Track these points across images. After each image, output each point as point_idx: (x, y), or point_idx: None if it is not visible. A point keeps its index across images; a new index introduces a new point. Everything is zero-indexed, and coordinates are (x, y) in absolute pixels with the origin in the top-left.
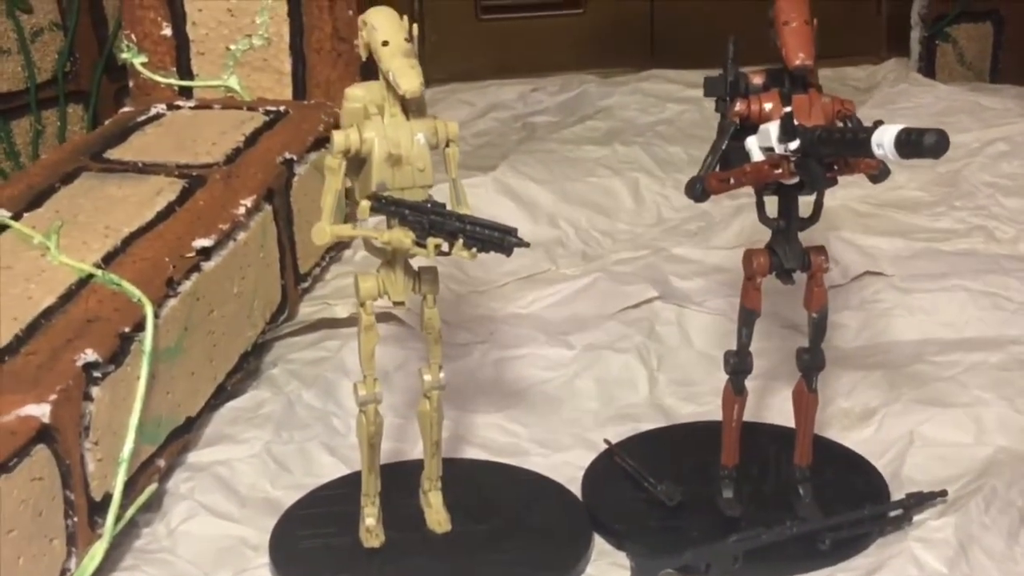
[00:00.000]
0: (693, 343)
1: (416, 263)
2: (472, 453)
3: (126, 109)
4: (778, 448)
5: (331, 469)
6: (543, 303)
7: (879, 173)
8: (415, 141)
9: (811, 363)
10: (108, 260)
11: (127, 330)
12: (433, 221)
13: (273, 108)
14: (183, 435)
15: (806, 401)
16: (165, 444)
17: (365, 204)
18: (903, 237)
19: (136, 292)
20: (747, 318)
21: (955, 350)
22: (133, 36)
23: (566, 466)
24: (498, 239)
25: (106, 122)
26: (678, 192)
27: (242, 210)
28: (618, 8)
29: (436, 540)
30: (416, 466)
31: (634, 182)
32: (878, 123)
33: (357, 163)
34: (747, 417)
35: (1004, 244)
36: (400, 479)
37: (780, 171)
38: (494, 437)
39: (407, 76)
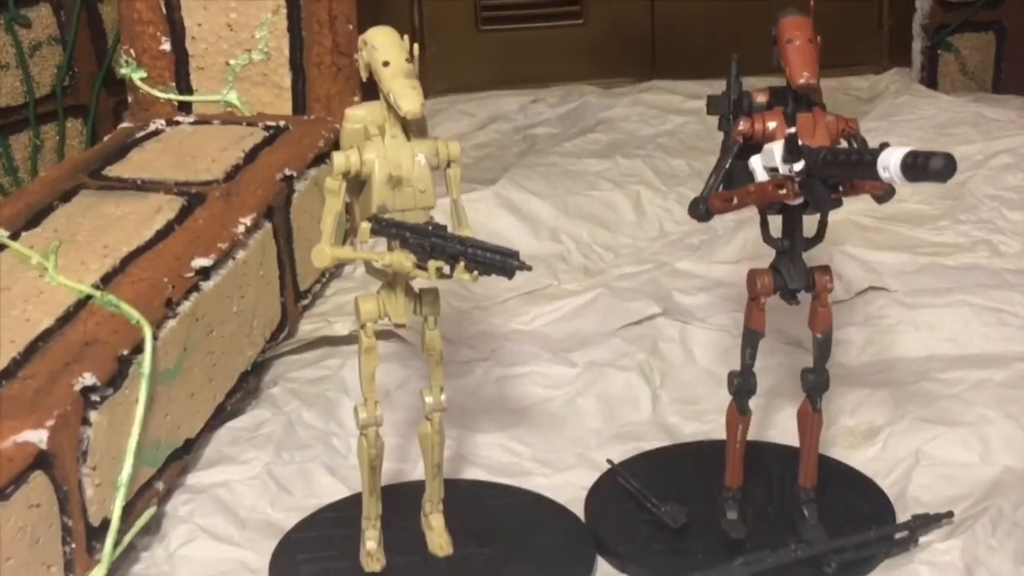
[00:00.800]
0: (696, 360)
1: (417, 284)
2: (474, 473)
3: (125, 125)
4: (782, 468)
5: (332, 490)
6: (545, 319)
7: (884, 193)
8: (416, 162)
9: (816, 383)
10: (106, 280)
11: (126, 352)
12: (434, 244)
13: (273, 123)
14: (182, 457)
15: (811, 422)
16: (164, 467)
17: (365, 226)
18: (907, 251)
19: (135, 314)
20: (751, 339)
21: (960, 367)
22: (132, 51)
23: (569, 486)
24: (500, 262)
25: (105, 138)
26: (680, 205)
27: (241, 228)
28: (619, 18)
29: (438, 564)
30: (417, 487)
31: (636, 195)
32: (884, 145)
33: (358, 184)
34: (751, 435)
35: (1008, 258)
36: (401, 501)
37: (785, 192)
38: (496, 456)
39: (408, 97)
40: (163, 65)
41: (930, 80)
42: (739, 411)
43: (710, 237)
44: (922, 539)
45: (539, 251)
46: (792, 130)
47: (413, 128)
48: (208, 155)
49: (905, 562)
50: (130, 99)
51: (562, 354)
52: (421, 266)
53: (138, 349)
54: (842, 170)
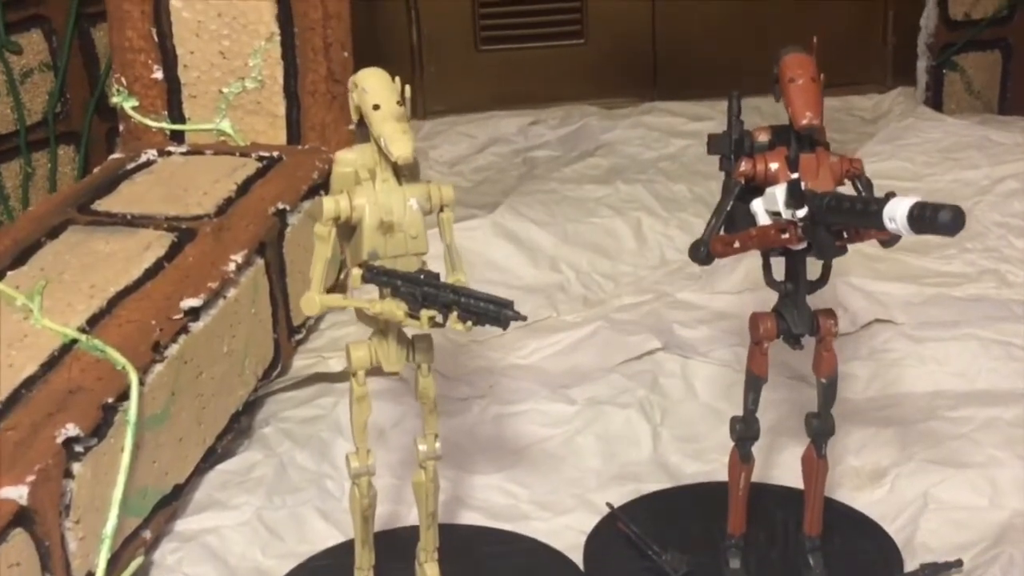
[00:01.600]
0: (698, 395)
1: (410, 330)
2: (471, 517)
3: (116, 155)
4: (786, 512)
5: (325, 535)
6: (543, 353)
7: (890, 239)
8: (408, 207)
9: (820, 429)
10: (93, 322)
11: (110, 401)
12: (426, 293)
13: (266, 154)
14: (171, 503)
15: (816, 468)
16: (152, 514)
17: (356, 273)
18: (914, 282)
19: (121, 360)
20: (754, 384)
21: (968, 404)
22: (123, 79)
23: (567, 531)
24: (494, 312)
25: (95, 170)
26: (682, 232)
27: (232, 266)
28: (620, 38)
29: None
30: (412, 533)
31: (636, 222)
32: (890, 195)
33: (348, 230)
34: (754, 475)
35: (1016, 288)
36: (395, 548)
37: (787, 236)
38: (493, 499)
39: (399, 142)
40: (155, 94)
41: (935, 100)
42: (742, 458)
43: (712, 266)
44: None
45: (538, 281)
46: (795, 176)
47: (405, 172)
48: (200, 188)
49: None
50: (121, 128)
51: (561, 390)
52: (413, 315)
53: (124, 396)
54: (846, 218)
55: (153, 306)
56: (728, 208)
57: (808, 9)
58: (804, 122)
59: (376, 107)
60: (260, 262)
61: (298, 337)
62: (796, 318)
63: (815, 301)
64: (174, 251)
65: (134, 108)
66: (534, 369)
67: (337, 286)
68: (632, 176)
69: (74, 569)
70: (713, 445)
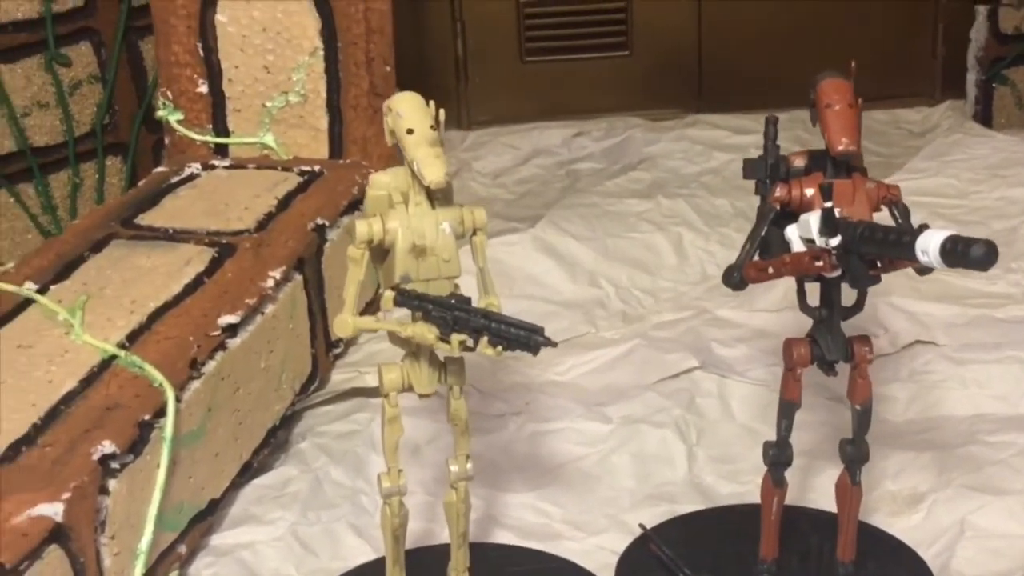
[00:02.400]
0: (735, 416)
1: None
2: (503, 536)
3: (160, 169)
4: (821, 537)
5: (358, 552)
6: (581, 370)
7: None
8: (440, 231)
9: (855, 456)
10: (132, 338)
11: (147, 418)
12: (457, 317)
13: (308, 168)
14: (206, 518)
15: (849, 495)
16: (187, 529)
17: (389, 296)
18: (957, 302)
19: (158, 376)
20: (787, 410)
21: (1010, 429)
22: (169, 93)
23: (600, 551)
24: (524, 338)
25: (140, 183)
26: (723, 247)
27: (270, 282)
28: (665, 49)
29: None
30: (444, 552)
31: (678, 237)
32: (923, 226)
33: (382, 252)
34: (789, 498)
35: None
36: (427, 566)
37: (821, 264)
38: (526, 518)
39: (432, 167)
40: (200, 107)
41: (984, 114)
42: (774, 483)
43: None
44: None
45: (577, 296)
46: (828, 204)
47: (438, 195)
48: (241, 202)
49: None
50: (167, 141)
51: (596, 409)
52: (444, 339)
53: (160, 413)
54: (879, 248)
55: (191, 322)
56: (763, 234)
57: (857, 21)
58: (840, 148)
59: (410, 131)
60: (298, 278)
61: (336, 351)
62: (830, 344)
63: (854, 321)
64: (214, 266)
65: (179, 121)
66: (571, 386)
67: (373, 304)
68: (674, 190)
69: None
70: (748, 467)
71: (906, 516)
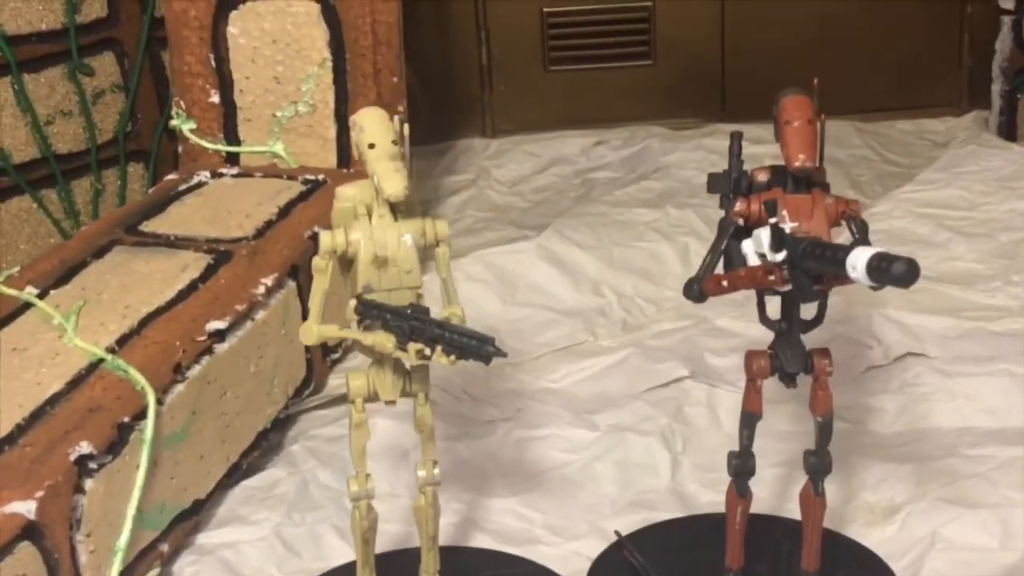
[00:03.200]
0: (722, 425)
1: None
2: (481, 540)
3: (171, 177)
4: (792, 546)
5: (340, 553)
6: (575, 378)
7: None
8: (402, 243)
9: (818, 467)
10: (122, 342)
11: (127, 420)
12: (414, 327)
13: (312, 177)
14: (191, 518)
15: (813, 505)
16: (170, 528)
17: (352, 304)
18: (952, 315)
19: (140, 380)
20: (748, 420)
21: (992, 442)
22: (182, 103)
23: (575, 557)
24: (476, 347)
25: (150, 190)
26: None
27: (261, 289)
28: (688, 58)
29: None
30: (419, 554)
31: (684, 247)
32: (856, 243)
33: (347, 262)
34: (767, 507)
35: None
36: (403, 568)
37: (774, 278)
38: (507, 523)
39: (391, 180)
40: (212, 117)
41: (1009, 124)
42: (738, 493)
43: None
44: None
45: (579, 305)
46: (773, 221)
47: (401, 208)
48: (243, 210)
49: None
50: (180, 150)
51: (585, 416)
52: (402, 348)
53: (141, 415)
54: (818, 264)
55: (180, 327)
56: (722, 247)
57: (882, 31)
58: (797, 164)
59: (372, 146)
60: (292, 284)
61: (334, 356)
62: (789, 356)
63: (845, 332)
64: (208, 273)
65: (192, 130)
66: (563, 393)
67: None
68: (683, 200)
69: None
70: None
71: (881, 527)
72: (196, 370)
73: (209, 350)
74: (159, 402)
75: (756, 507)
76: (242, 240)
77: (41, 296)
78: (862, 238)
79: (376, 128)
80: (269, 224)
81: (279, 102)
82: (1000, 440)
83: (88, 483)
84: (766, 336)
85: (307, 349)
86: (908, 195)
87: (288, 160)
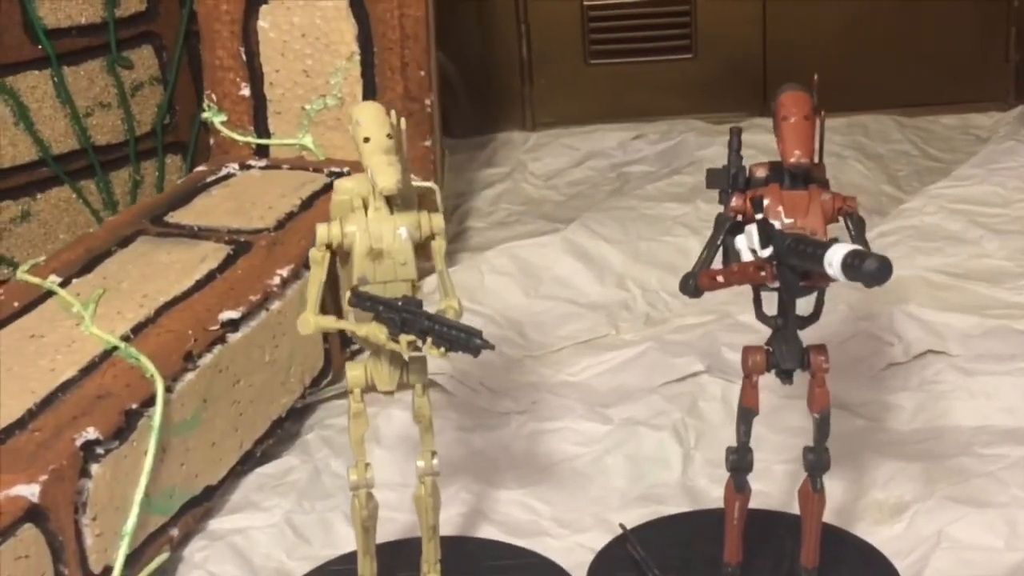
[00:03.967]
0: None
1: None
2: (488, 531)
3: (200, 168)
4: (795, 542)
5: (349, 541)
6: (593, 371)
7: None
8: (397, 235)
9: (816, 463)
10: (138, 330)
11: (135, 406)
12: (405, 319)
13: (337, 169)
14: (202, 504)
15: (811, 502)
16: (181, 513)
17: (348, 296)
18: (976, 312)
19: (150, 367)
20: (745, 416)
21: (1007, 442)
22: (213, 96)
23: (580, 549)
24: (464, 340)
25: (179, 181)
26: None
27: (277, 280)
28: (730, 52)
29: None
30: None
31: None
32: (833, 240)
33: (345, 254)
34: (776, 503)
35: None
36: (407, 557)
37: (764, 274)
38: (515, 514)
39: (384, 173)
40: (242, 110)
41: None
42: (736, 488)
43: None
44: None
45: (603, 298)
46: (759, 216)
47: (397, 201)
48: (266, 202)
49: None
50: (212, 142)
51: (600, 410)
52: (394, 339)
53: (150, 402)
54: (800, 260)
55: (193, 317)
56: (718, 243)
57: (928, 25)
58: (792, 160)
59: (366, 139)
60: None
61: (354, 347)
62: (785, 353)
63: (868, 328)
64: (227, 264)
65: (223, 123)
66: (581, 387)
67: None
68: (714, 195)
69: (92, 563)
70: None
71: (888, 525)
72: (208, 359)
73: (222, 339)
74: (168, 390)
75: (766, 502)
76: (263, 231)
77: (64, 284)
78: (858, 235)
79: (371, 122)
80: (290, 216)
81: (308, 95)
82: (1015, 439)
83: (94, 468)
84: None
85: (325, 339)
86: (942, 191)
87: (316, 153)
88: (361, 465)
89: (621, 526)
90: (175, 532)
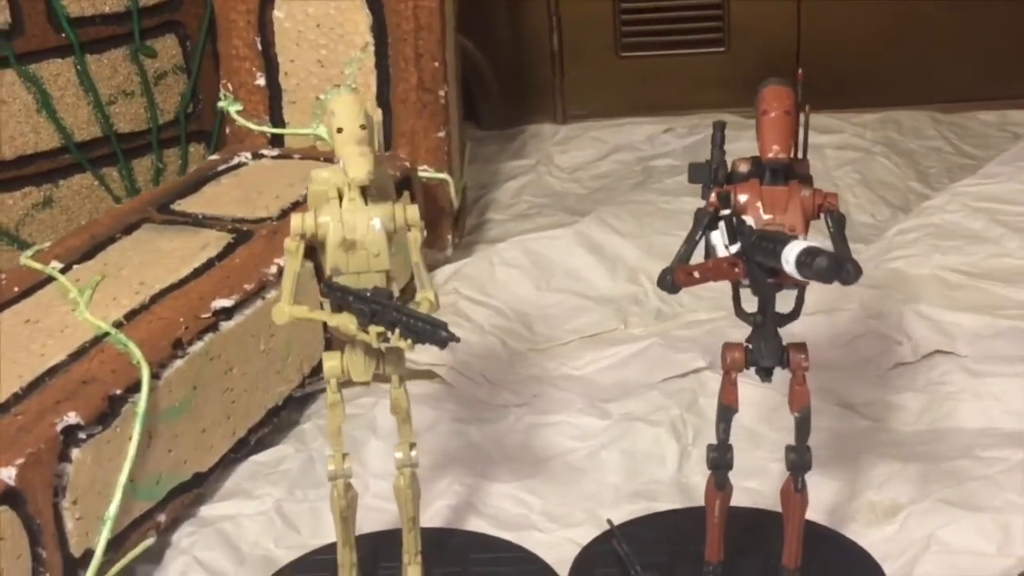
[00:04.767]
0: (738, 417)
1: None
2: (477, 524)
3: (213, 157)
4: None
5: None
6: (597, 365)
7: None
8: (371, 226)
9: (797, 463)
10: (131, 317)
11: (119, 392)
12: (374, 310)
13: None
14: (191, 490)
15: (793, 501)
16: (168, 499)
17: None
18: (989, 313)
19: (137, 353)
20: (723, 413)
21: (1009, 445)
22: (229, 85)
23: (567, 544)
24: (430, 332)
25: (191, 169)
26: None
27: (274, 269)
28: (763, 46)
29: None
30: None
31: None
32: (792, 237)
33: (320, 244)
34: (767, 503)
35: None
36: (387, 548)
37: (738, 270)
38: (506, 508)
39: (355, 164)
40: (258, 99)
41: None
42: (716, 486)
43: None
44: None
45: (613, 292)
46: (726, 212)
47: (372, 192)
48: (273, 191)
49: None
50: (227, 131)
51: (599, 404)
52: (364, 330)
53: (135, 388)
54: (763, 257)
55: (187, 304)
56: (697, 238)
57: (966, 19)
58: (770, 155)
59: (340, 130)
60: (309, 265)
61: None
62: (763, 350)
63: (877, 326)
64: (226, 252)
65: (238, 112)
66: (583, 381)
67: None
68: None
69: (72, 546)
70: (741, 468)
71: (880, 527)
72: (198, 346)
73: (214, 327)
74: (156, 376)
75: (759, 501)
76: (265, 220)
77: (65, 270)
78: (837, 232)
79: (345, 113)
80: (295, 205)
81: (323, 85)
82: (1017, 443)
83: (75, 452)
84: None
85: (325, 328)
86: (966, 188)
87: (329, 143)
88: (339, 455)
89: (609, 521)
90: (162, 518)
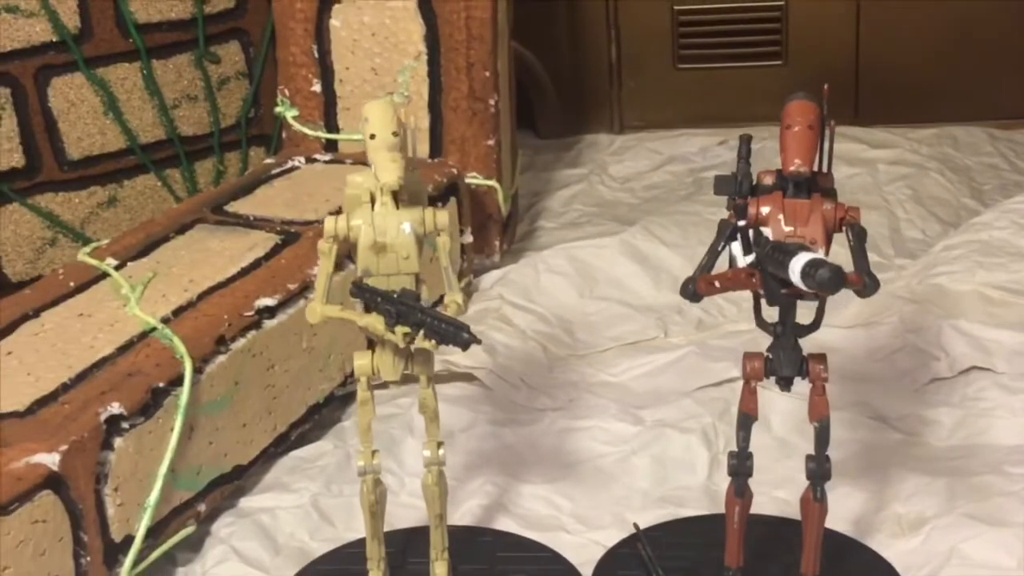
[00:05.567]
0: (771, 428)
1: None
2: (506, 523)
3: (268, 160)
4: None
5: None
6: (633, 373)
7: (863, 287)
8: (401, 230)
9: (816, 472)
10: (178, 313)
11: (162, 385)
12: (400, 311)
13: None
14: (232, 481)
15: (812, 510)
16: (208, 490)
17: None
18: None
19: (181, 348)
20: (743, 422)
21: None
22: (286, 91)
23: (593, 546)
24: (452, 334)
25: (247, 172)
26: None
27: (315, 270)
28: (821, 59)
29: None
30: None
31: None
32: (801, 248)
33: (352, 247)
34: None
35: None
36: (421, 544)
37: (755, 280)
38: (535, 509)
39: (386, 170)
40: (313, 105)
41: None
42: (737, 493)
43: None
44: None
45: (656, 301)
46: (741, 223)
47: (403, 197)
48: (324, 194)
49: None
50: (284, 136)
51: (632, 410)
52: (391, 330)
53: (178, 382)
54: (774, 268)
55: (233, 302)
56: (720, 248)
57: None
58: (792, 168)
59: (372, 136)
60: (352, 268)
61: None
62: (783, 360)
63: (914, 341)
64: (274, 253)
65: (294, 118)
66: (619, 387)
67: None
68: None
69: (113, 531)
70: (771, 478)
71: (905, 539)
72: (241, 343)
73: (257, 324)
74: (198, 370)
75: (785, 511)
76: (313, 223)
77: (120, 267)
78: (857, 246)
79: (378, 119)
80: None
81: (376, 93)
82: None
83: (117, 441)
84: (835, 342)
85: None
86: (1017, 205)
87: None
88: (368, 452)
89: (635, 525)
90: (202, 507)
